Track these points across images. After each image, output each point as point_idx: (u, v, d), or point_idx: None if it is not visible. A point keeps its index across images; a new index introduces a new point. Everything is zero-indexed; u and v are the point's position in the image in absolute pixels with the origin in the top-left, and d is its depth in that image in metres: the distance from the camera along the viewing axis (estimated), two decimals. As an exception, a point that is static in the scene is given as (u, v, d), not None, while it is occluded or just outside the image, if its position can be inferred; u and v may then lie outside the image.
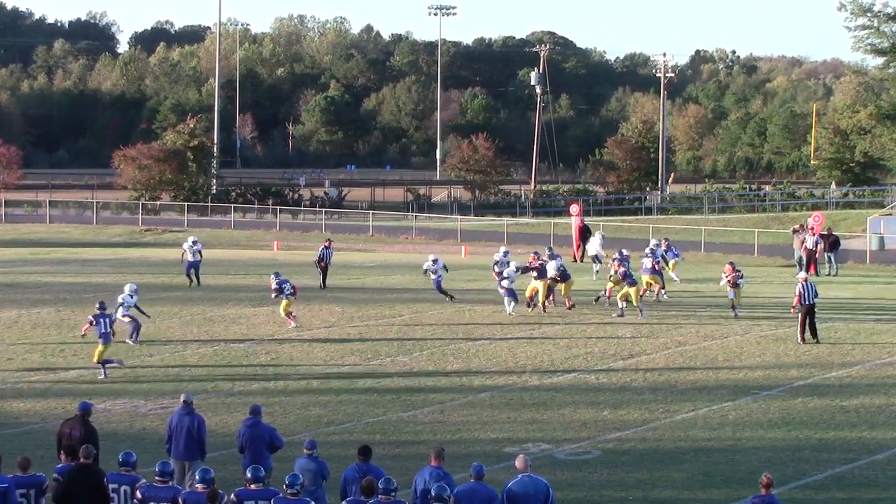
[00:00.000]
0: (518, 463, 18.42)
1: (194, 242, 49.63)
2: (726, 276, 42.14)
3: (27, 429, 27.17)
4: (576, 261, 61.37)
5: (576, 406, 29.72)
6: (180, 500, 17.91)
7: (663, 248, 49.63)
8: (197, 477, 18.15)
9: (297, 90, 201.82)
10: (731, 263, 43.40)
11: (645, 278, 43.99)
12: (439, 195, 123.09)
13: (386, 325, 40.83)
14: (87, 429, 21.27)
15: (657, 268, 45.17)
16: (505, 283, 41.78)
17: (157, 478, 18.22)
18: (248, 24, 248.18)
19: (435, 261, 46.22)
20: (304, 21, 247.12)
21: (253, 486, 17.80)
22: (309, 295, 46.07)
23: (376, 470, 18.96)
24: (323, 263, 49.59)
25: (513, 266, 43.01)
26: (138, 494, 18.22)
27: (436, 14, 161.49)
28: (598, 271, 52.34)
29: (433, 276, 45.79)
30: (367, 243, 75.80)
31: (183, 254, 49.94)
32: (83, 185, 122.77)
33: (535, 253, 44.90)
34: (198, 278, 49.52)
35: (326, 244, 50.94)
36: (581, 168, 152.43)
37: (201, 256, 50.01)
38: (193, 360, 35.21)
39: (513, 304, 41.77)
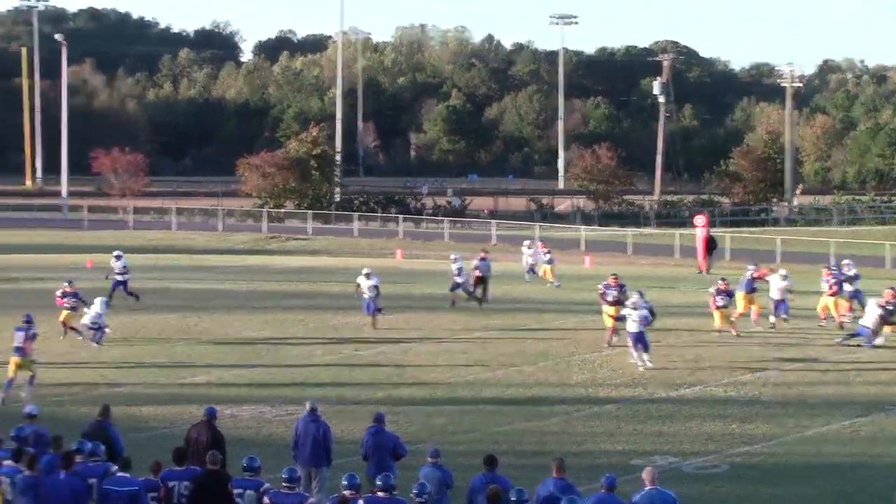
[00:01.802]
0: (645, 475, 18.15)
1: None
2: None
3: (156, 433, 27.35)
4: (701, 272, 60.71)
5: (703, 419, 29.29)
6: None
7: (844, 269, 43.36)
8: (378, 483, 18.09)
9: (419, 99, 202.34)
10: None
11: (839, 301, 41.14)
12: (562, 205, 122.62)
13: (510, 335, 40.60)
14: (214, 434, 21.34)
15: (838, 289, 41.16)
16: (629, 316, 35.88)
17: (283, 484, 18.22)
18: (369, 34, 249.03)
19: (455, 259, 47.03)
20: (425, 30, 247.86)
21: (381, 494, 17.72)
22: (435, 304, 46.05)
23: (502, 480, 18.78)
24: (479, 274, 47.66)
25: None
26: (266, 500, 18.22)
27: (557, 23, 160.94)
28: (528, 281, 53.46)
29: (457, 279, 46.29)
30: (490, 253, 75.49)
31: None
32: (208, 193, 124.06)
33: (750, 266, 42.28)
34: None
35: (483, 255, 49.16)
36: (706, 178, 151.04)
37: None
38: (319, 367, 35.28)
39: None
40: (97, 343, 37.36)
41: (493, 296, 47.77)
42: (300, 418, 22.39)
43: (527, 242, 57.83)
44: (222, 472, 19.29)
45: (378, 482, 18.00)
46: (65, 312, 38.80)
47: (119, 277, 45.43)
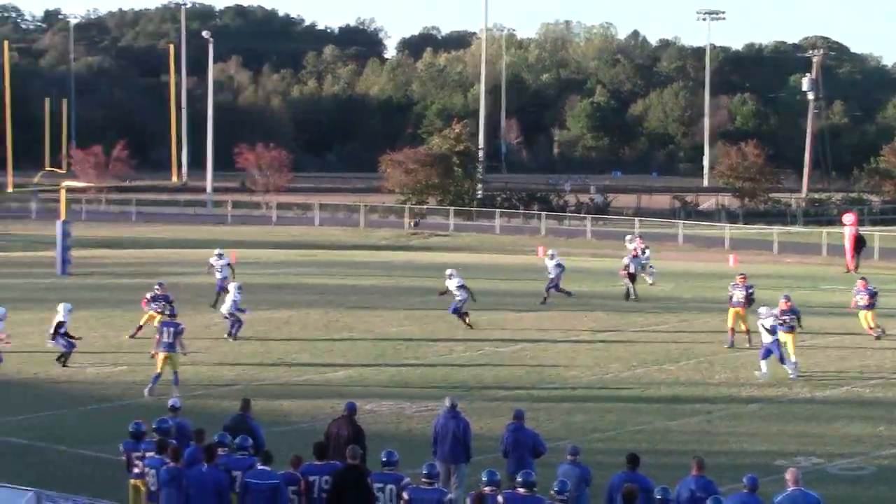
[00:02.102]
0: (789, 476, 17.83)
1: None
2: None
3: (296, 427, 27.53)
4: (849, 271, 59.68)
5: (849, 420, 28.71)
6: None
7: None
8: (519, 480, 18.01)
9: (563, 95, 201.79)
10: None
11: None
12: (706, 202, 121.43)
13: (651, 333, 40.27)
14: (355, 428, 21.41)
15: None
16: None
17: (423, 479, 18.19)
18: (513, 30, 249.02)
19: (552, 255, 46.77)
20: (569, 26, 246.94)
21: (521, 491, 17.65)
22: (577, 302, 45.85)
23: (643, 479, 18.59)
24: (630, 271, 47.62)
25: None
26: (405, 496, 18.21)
27: (704, 19, 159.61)
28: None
29: (552, 275, 45.73)
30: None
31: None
32: (351, 189, 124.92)
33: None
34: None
35: (634, 253, 49.26)
36: (855, 176, 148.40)
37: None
38: (460, 363, 35.28)
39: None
40: (233, 338, 37.73)
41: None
42: (440, 414, 22.34)
43: (629, 237, 55.91)
44: (362, 466, 19.31)
45: (518, 479, 17.93)
46: (149, 314, 37.93)
47: (219, 275, 44.62)
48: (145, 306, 38.16)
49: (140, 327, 38.07)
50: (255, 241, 77.24)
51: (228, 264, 44.86)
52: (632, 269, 47.69)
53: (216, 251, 45.66)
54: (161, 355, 30.80)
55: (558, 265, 46.03)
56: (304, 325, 41.44)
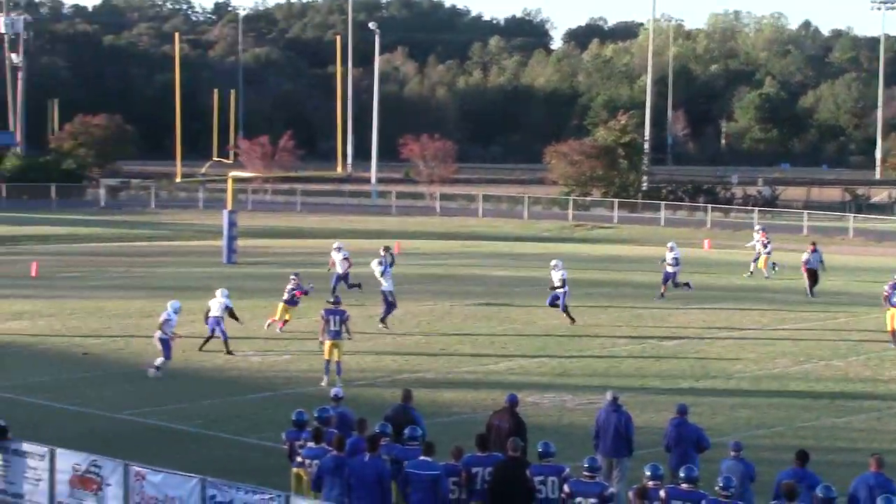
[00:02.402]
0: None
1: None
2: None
3: (457, 418, 27.48)
4: None
5: None
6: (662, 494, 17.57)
7: None
8: (682, 475, 17.76)
9: (731, 87, 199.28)
10: None
11: None
12: (878, 195, 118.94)
13: (820, 328, 39.56)
14: (516, 420, 21.23)
15: None
16: None
17: (584, 473, 17.99)
18: (681, 21, 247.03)
19: (672, 248, 46.16)
20: (739, 17, 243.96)
21: (684, 486, 17.37)
22: (742, 296, 45.21)
23: (811, 476, 18.16)
24: (809, 267, 47.27)
25: None
26: (566, 488, 18.03)
27: (879, 8, 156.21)
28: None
29: (670, 269, 45.22)
30: (800, 243, 73.75)
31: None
32: (514, 180, 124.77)
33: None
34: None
35: (812, 248, 48.65)
36: None
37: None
38: (622, 356, 34.98)
39: None
40: (385, 326, 37.88)
41: (800, 287, 46.60)
42: (602, 408, 22.11)
43: (757, 227, 55.55)
44: (523, 459, 19.18)
45: (681, 474, 17.66)
46: (282, 305, 38.10)
47: (340, 271, 44.16)
48: (299, 295, 38.33)
49: (283, 321, 38.21)
50: (418, 232, 77.56)
51: (346, 258, 44.21)
52: (812, 266, 46.96)
53: (335, 244, 45.33)
54: (328, 343, 31.03)
55: (676, 259, 45.29)
56: (466, 316, 41.44)
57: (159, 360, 31.80)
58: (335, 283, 43.54)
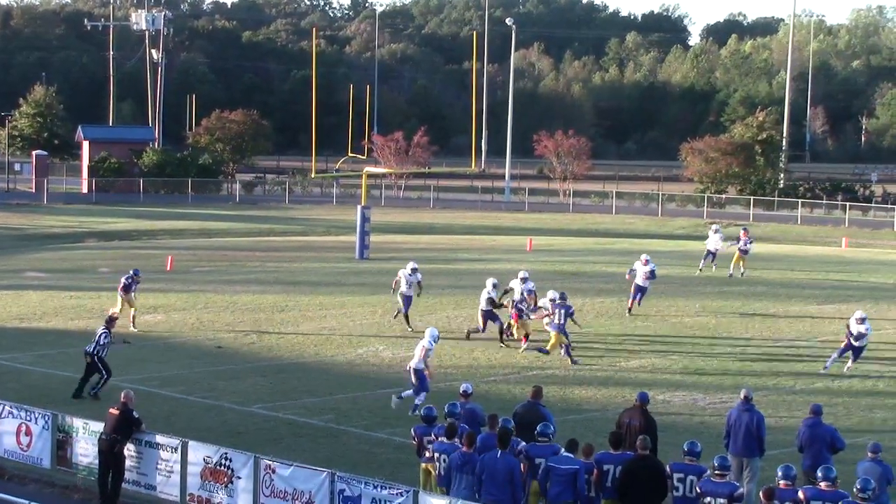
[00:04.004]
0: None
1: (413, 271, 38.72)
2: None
3: (588, 416, 27.35)
4: None
5: None
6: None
7: None
8: (819, 475, 17.67)
9: (873, 83, 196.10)
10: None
11: None
12: None
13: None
14: (646, 419, 21.16)
15: None
16: None
17: (715, 472, 17.81)
18: (823, 16, 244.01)
19: (717, 230, 48.03)
20: (882, 12, 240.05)
21: (823, 485, 17.16)
22: (881, 295, 44.44)
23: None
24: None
25: None
26: (697, 488, 18.00)
27: None
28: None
29: (642, 283, 41.35)
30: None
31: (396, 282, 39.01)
32: (649, 177, 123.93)
33: None
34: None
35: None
36: None
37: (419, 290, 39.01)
38: (754, 356, 34.54)
39: None
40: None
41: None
42: (734, 407, 21.88)
43: (714, 227, 53.61)
44: (652, 457, 19.13)
45: (819, 473, 17.52)
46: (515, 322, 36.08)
47: (404, 289, 38.23)
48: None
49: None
50: (551, 229, 77.33)
51: (419, 282, 38.59)
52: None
53: (410, 265, 39.11)
54: (553, 334, 32.93)
55: (653, 272, 41.24)
56: (598, 313, 41.24)
57: (407, 393, 27.93)
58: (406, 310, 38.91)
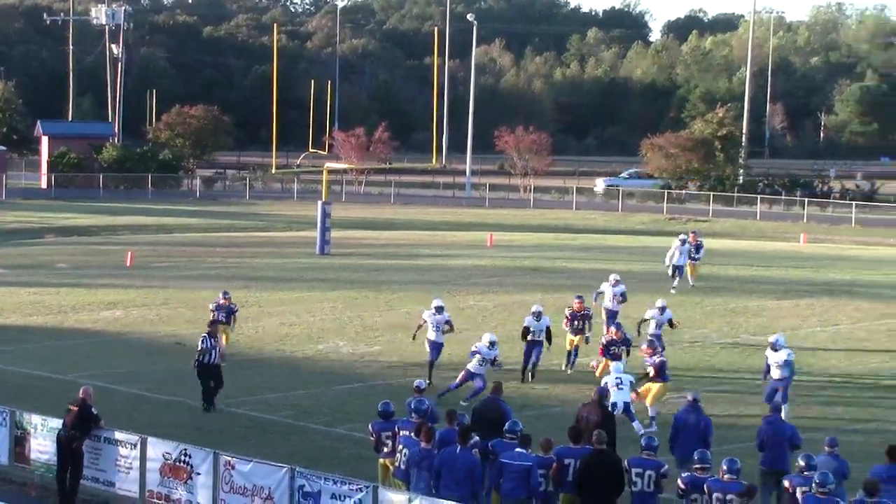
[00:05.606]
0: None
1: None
2: None
3: (547, 411, 27.49)
4: None
5: None
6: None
7: None
8: (724, 467, 17.91)
9: (832, 79, 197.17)
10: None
11: None
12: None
13: (916, 324, 39.08)
14: (604, 413, 21.34)
15: None
16: None
17: (725, 475, 18.00)
18: (783, 13, 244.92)
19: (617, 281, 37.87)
20: (841, 9, 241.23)
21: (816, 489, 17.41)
22: (835, 290, 44.72)
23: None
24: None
25: None
26: (681, 483, 18.24)
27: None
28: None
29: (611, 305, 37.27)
30: (899, 238, 72.92)
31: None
32: (610, 173, 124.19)
33: None
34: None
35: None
36: None
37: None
38: (711, 350, 34.76)
39: None
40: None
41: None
42: (681, 409, 22.04)
43: (682, 237, 47.21)
44: (610, 451, 19.30)
45: (817, 479, 17.50)
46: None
47: (433, 335, 31.05)
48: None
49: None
50: (511, 225, 77.42)
51: (447, 321, 31.36)
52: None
53: (435, 302, 32.01)
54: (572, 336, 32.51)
55: (623, 294, 36.72)
56: (558, 309, 41.24)
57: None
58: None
